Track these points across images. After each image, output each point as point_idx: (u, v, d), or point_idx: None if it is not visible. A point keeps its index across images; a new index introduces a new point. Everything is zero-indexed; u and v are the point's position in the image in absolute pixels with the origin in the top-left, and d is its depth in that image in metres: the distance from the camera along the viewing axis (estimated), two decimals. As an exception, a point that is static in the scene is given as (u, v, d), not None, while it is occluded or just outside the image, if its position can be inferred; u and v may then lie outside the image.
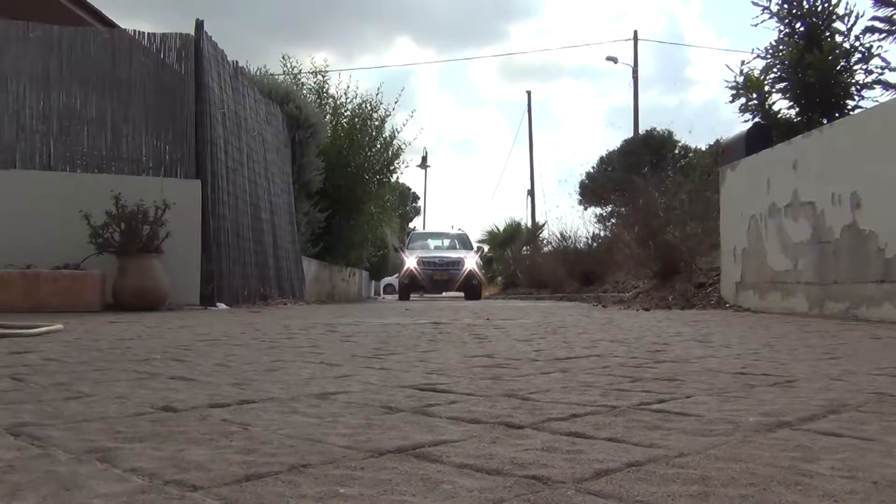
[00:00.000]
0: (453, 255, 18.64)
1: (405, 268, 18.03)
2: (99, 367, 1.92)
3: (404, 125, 22.41)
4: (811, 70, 7.28)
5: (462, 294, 19.29)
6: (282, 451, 0.93)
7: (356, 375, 1.77)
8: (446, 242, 20.98)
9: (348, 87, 18.91)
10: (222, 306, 7.16)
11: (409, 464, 0.88)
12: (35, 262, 6.15)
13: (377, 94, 14.82)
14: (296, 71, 14.38)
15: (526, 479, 0.81)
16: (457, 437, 1.03)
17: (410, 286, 18.13)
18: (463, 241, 20.81)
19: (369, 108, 14.61)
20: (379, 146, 14.81)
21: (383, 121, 14.82)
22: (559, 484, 0.79)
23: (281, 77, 13.06)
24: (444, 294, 24.33)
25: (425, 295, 22.92)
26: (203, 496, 0.74)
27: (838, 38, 7.49)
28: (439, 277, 17.69)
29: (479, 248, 21.77)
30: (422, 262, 17.85)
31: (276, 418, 1.18)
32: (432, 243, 21.01)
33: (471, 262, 18.13)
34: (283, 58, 14.66)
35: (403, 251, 19.16)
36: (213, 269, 7.35)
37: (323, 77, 14.60)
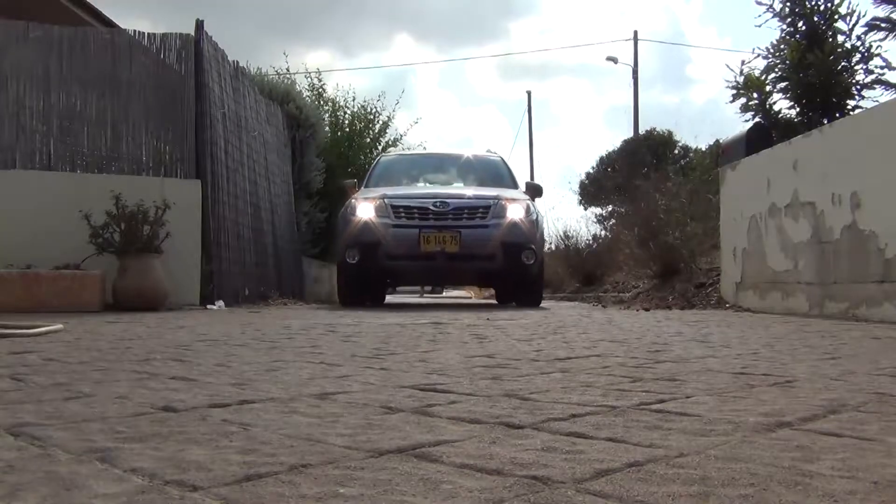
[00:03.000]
0: (469, 193, 7.91)
1: (353, 222, 7.52)
2: (99, 367, 1.92)
3: (408, 130, 19.46)
4: (812, 70, 7.29)
5: (489, 290, 10.66)
6: (282, 451, 0.93)
7: (356, 375, 1.77)
8: (455, 176, 9.45)
9: (350, 87, 18.90)
10: (222, 306, 7.16)
11: (409, 464, 0.88)
12: (35, 262, 6.15)
13: (378, 99, 14.82)
14: (294, 71, 14.41)
15: (526, 479, 0.81)
16: (457, 437, 1.03)
17: (362, 270, 7.61)
18: (494, 173, 9.21)
19: (373, 109, 14.63)
20: (380, 149, 14.83)
21: (386, 124, 14.84)
22: (559, 484, 0.79)
23: (280, 77, 13.07)
24: (444, 294, 19.63)
25: (412, 294, 15.03)
26: (203, 496, 0.74)
27: (840, 38, 7.50)
28: (437, 245, 7.27)
29: (532, 188, 9.09)
30: (394, 209, 7.44)
31: (276, 418, 1.18)
32: (426, 176, 9.44)
33: (516, 210, 7.61)
34: (284, 54, 14.75)
35: (353, 192, 8.41)
36: (213, 269, 7.35)
37: (319, 80, 14.64)
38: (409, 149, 14.46)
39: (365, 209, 7.52)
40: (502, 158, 9.88)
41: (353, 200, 7.78)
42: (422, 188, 8.64)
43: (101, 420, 1.16)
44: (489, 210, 7.48)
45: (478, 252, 7.39)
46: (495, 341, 2.93)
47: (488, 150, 10.43)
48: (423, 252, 7.29)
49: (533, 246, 7.55)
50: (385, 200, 7.52)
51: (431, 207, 7.41)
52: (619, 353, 2.42)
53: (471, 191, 8.04)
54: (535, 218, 7.83)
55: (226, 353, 2.34)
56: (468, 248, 7.31)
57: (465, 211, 7.47)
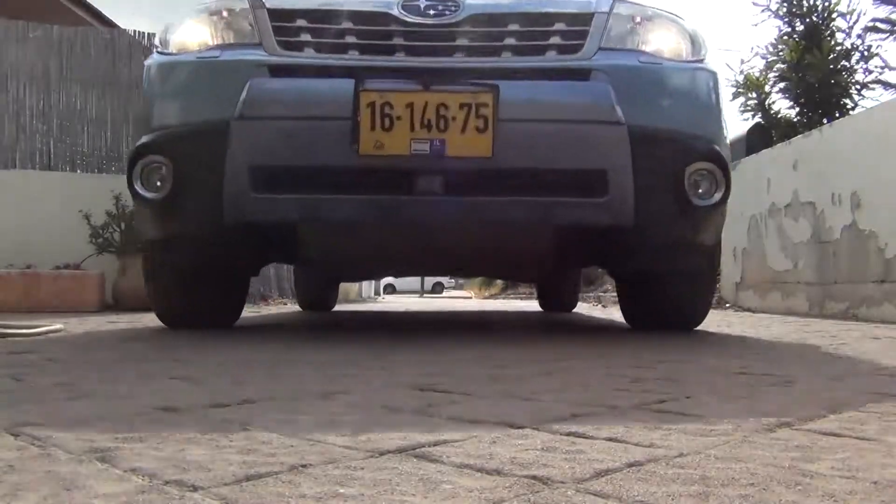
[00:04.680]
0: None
1: (158, 71, 2.58)
2: (99, 367, 1.92)
3: None
4: (811, 70, 7.30)
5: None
6: (282, 451, 0.93)
7: (356, 375, 1.77)
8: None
9: None
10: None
11: (409, 464, 0.88)
12: (35, 262, 6.15)
13: None
14: None
15: (526, 479, 0.81)
16: (457, 437, 1.03)
17: (191, 226, 2.58)
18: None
19: None
20: None
21: None
22: (559, 484, 0.79)
23: None
24: (448, 292, 19.27)
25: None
26: (203, 496, 0.74)
27: (839, 37, 7.52)
28: (421, 141, 2.18)
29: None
30: (277, 20, 2.45)
31: (276, 418, 1.18)
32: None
33: (668, 38, 2.56)
34: None
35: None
36: (213, 269, 7.34)
37: None
38: None
39: (193, 31, 2.72)
40: None
41: (168, 26, 2.83)
42: None
43: (101, 420, 1.16)
44: (589, 26, 2.58)
45: (558, 162, 2.46)
46: (496, 341, 2.93)
47: None
48: (372, 160, 2.40)
49: (718, 148, 2.60)
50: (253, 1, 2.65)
51: (398, 13, 2.55)
52: (619, 352, 2.42)
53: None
54: (711, 75, 2.71)
55: (226, 353, 2.34)
56: (525, 146, 2.41)
57: (513, 24, 2.58)
